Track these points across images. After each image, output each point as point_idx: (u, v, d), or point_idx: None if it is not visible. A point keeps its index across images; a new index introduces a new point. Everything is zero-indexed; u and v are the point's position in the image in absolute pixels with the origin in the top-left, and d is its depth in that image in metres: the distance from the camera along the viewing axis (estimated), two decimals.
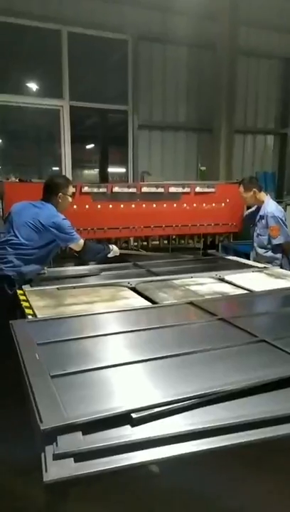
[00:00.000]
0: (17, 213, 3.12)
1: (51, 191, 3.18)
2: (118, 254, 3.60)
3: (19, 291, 2.84)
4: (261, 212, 3.99)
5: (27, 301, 2.60)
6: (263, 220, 3.95)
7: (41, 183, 3.38)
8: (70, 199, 3.28)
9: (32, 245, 3.04)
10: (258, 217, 4.02)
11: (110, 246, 3.53)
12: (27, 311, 2.40)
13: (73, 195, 3.37)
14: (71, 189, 3.29)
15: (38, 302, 2.56)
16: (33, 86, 6.83)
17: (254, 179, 4.24)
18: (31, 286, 2.99)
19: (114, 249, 3.54)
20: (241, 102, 7.59)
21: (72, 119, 6.78)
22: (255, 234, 4.08)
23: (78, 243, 3.20)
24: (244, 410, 1.29)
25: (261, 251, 4.01)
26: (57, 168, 7.05)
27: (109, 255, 3.51)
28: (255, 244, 4.09)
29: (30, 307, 2.46)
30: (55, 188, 3.18)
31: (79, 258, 3.59)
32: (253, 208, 4.18)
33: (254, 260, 4.06)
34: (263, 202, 4.00)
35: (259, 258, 4.02)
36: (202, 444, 1.16)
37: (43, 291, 2.85)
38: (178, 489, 1.18)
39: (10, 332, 1.94)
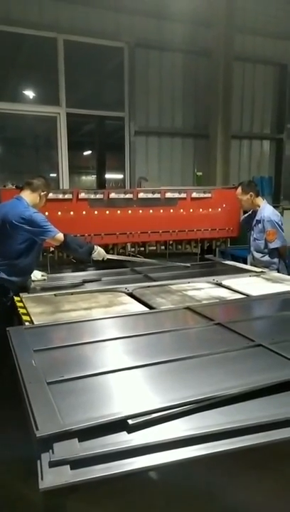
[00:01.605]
0: None
1: (36, 187, 3.12)
2: (104, 258, 3.35)
3: (16, 298, 2.84)
4: (257, 217, 4.00)
5: (24, 307, 2.60)
6: (259, 225, 3.97)
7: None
8: (44, 201, 3.22)
9: (11, 249, 2.95)
10: (254, 221, 4.03)
11: (95, 246, 3.28)
12: (24, 317, 2.39)
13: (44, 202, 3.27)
14: (49, 193, 3.30)
15: (35, 309, 2.55)
16: (30, 94, 6.87)
17: (253, 183, 4.26)
18: (28, 292, 2.98)
19: (99, 251, 3.26)
20: (237, 107, 7.64)
21: (69, 126, 6.81)
22: (252, 238, 4.09)
23: (55, 237, 2.96)
24: (242, 415, 1.29)
25: (258, 255, 4.02)
26: (54, 175, 7.06)
27: (94, 256, 3.26)
28: (252, 249, 4.10)
29: (28, 314, 2.45)
30: (40, 185, 3.15)
31: (63, 252, 3.51)
32: (249, 213, 4.20)
33: (251, 265, 4.06)
34: (258, 207, 4.01)
35: (256, 262, 4.03)
36: (200, 449, 1.16)
37: (40, 297, 2.85)
38: (175, 494, 1.17)
39: (7, 339, 1.94)
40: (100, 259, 3.33)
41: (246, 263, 4.25)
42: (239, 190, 4.02)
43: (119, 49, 6.95)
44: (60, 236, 3.00)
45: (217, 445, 1.17)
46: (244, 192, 3.98)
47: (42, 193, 3.15)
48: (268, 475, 1.27)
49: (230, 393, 1.38)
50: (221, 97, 6.79)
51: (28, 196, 3.09)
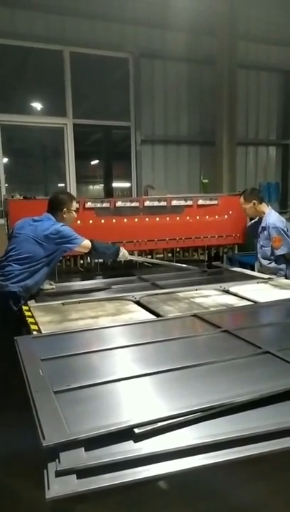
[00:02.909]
0: (19, 229, 3.16)
1: (56, 207, 3.23)
2: (127, 258, 3.51)
3: (24, 307, 2.85)
4: (263, 224, 3.98)
5: (32, 316, 2.61)
6: (265, 231, 3.95)
7: (45, 199, 3.42)
8: (74, 214, 3.33)
9: (36, 258, 3.06)
10: (260, 228, 4.01)
11: (120, 248, 3.45)
12: (32, 326, 2.40)
13: (77, 210, 3.42)
14: (75, 204, 3.34)
15: (43, 318, 2.56)
16: (37, 105, 6.98)
17: (256, 191, 4.25)
18: (36, 301, 3.00)
19: (124, 252, 3.44)
20: (242, 114, 7.68)
21: (76, 136, 6.90)
22: (258, 245, 4.07)
23: (83, 244, 3.17)
24: (250, 423, 1.28)
25: (265, 262, 3.99)
26: (62, 185, 7.14)
27: (120, 257, 3.42)
28: (259, 256, 4.08)
29: (35, 323, 2.46)
30: (59, 203, 3.24)
31: (92, 257, 3.68)
32: (255, 219, 4.19)
33: (259, 271, 4.04)
34: (263, 213, 4.00)
35: (263, 269, 4.00)
36: (208, 457, 1.15)
37: (48, 306, 2.87)
38: (183, 504, 1.16)
39: (15, 348, 1.95)
40: (123, 260, 3.50)
41: (253, 270, 4.23)
42: (242, 199, 4.01)
43: (124, 59, 7.06)
44: (87, 243, 3.20)
45: (226, 453, 1.15)
46: (247, 201, 3.97)
47: (64, 210, 3.21)
48: (277, 483, 1.25)
49: (238, 401, 1.37)
50: (226, 104, 6.83)
51: (55, 214, 3.21)
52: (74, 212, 3.32)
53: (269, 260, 3.95)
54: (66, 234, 3.10)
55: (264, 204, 4.04)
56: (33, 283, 3.06)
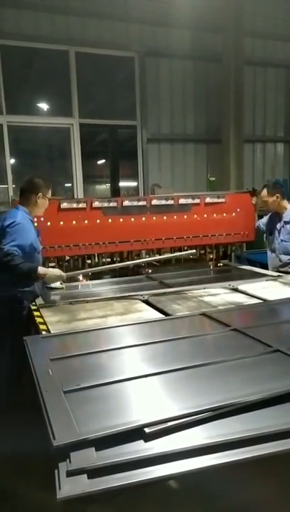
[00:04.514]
0: None
1: (31, 190, 3.10)
2: (64, 278, 3.11)
3: (33, 307, 2.87)
4: (285, 219, 3.92)
5: (41, 316, 2.62)
6: (287, 226, 3.90)
7: (52, 199, 3.39)
8: (47, 202, 3.20)
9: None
10: (281, 223, 3.95)
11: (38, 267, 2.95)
12: (41, 326, 2.42)
13: (50, 200, 3.24)
14: (50, 192, 3.22)
15: (51, 317, 2.58)
16: (43, 106, 7.00)
17: (279, 185, 4.20)
18: (45, 301, 3.01)
19: (49, 275, 2.99)
20: (249, 111, 7.62)
21: (83, 136, 6.90)
22: (277, 241, 3.99)
23: (4, 252, 2.78)
24: (260, 423, 1.27)
25: (285, 258, 3.91)
26: (69, 185, 7.15)
27: (47, 283, 3.09)
28: (278, 252, 3.98)
29: (44, 323, 2.48)
30: (35, 187, 3.11)
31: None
32: (267, 216, 4.14)
33: (274, 268, 3.97)
34: (285, 208, 3.94)
35: (282, 265, 3.93)
36: (219, 457, 1.14)
37: (56, 306, 2.88)
38: (194, 503, 1.16)
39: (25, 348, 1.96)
40: (53, 283, 3.18)
41: (262, 267, 4.19)
42: (265, 192, 3.95)
43: (129, 58, 7.04)
44: (8, 251, 2.79)
45: (236, 453, 1.15)
46: (270, 194, 3.92)
47: (39, 195, 3.09)
48: (288, 483, 1.24)
49: (248, 400, 1.36)
50: (232, 101, 6.79)
51: (26, 203, 3.09)
52: (48, 200, 3.18)
53: None
54: (8, 234, 2.84)
55: (285, 200, 4.00)
56: (27, 287, 2.95)
